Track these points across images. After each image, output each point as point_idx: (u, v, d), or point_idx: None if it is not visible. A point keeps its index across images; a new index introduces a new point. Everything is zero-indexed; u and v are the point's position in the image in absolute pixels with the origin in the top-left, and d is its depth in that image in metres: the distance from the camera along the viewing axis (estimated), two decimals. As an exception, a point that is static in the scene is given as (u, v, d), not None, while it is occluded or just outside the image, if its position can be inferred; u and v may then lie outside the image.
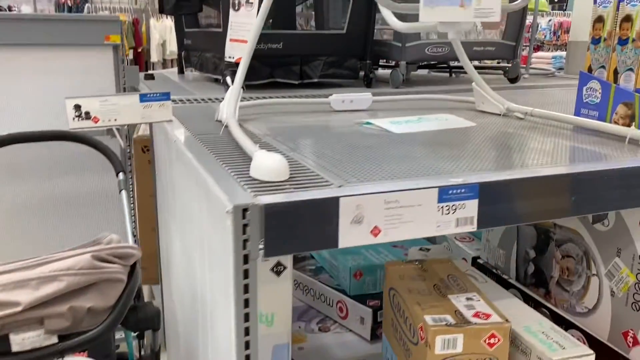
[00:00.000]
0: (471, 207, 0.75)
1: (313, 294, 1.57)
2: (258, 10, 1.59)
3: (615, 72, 1.08)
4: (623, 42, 1.06)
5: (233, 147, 0.92)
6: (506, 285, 1.37)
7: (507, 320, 0.90)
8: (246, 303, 0.66)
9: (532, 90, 1.94)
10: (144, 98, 1.14)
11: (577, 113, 1.17)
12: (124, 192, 1.20)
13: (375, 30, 1.87)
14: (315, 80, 1.82)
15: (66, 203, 1.43)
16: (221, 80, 1.75)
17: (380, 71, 2.49)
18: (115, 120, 1.14)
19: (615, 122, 1.07)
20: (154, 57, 5.66)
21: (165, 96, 1.16)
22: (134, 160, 1.64)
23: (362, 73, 1.90)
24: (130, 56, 5.39)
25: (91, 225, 1.42)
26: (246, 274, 0.65)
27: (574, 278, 1.19)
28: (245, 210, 0.63)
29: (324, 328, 1.44)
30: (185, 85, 1.90)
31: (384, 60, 2.23)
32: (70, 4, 6.23)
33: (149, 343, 1.13)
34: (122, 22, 1.51)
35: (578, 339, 1.01)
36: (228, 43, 1.65)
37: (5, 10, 9.33)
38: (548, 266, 1.27)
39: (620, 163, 0.87)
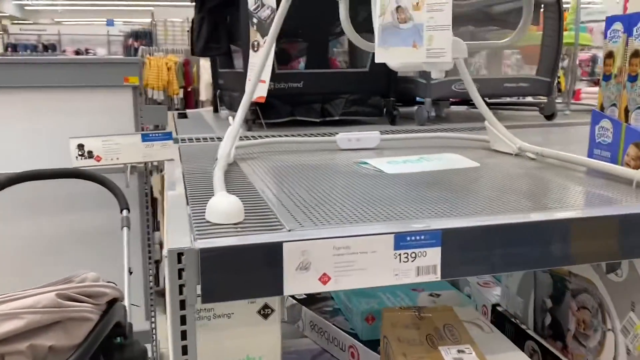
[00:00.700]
0: (433, 255, 0.70)
1: (327, 337, 1.53)
2: (273, 51, 1.62)
3: (627, 111, 1.00)
4: (633, 78, 0.99)
5: (211, 188, 0.92)
6: (524, 336, 1.28)
7: (491, 378, 0.83)
8: (184, 350, 0.65)
9: (568, 127, 1.85)
10: (146, 138, 1.17)
11: (591, 153, 1.10)
12: (125, 229, 1.22)
13: (399, 68, 1.85)
14: (337, 118, 1.81)
15: (77, 238, 1.48)
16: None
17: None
18: (118, 159, 1.17)
19: (627, 164, 0.99)
20: (203, 95, 5.88)
21: (167, 136, 1.19)
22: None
23: (386, 110, 1.87)
24: (180, 95, 5.64)
25: (95, 260, 1.46)
26: (183, 320, 0.64)
27: (590, 332, 1.09)
28: (180, 254, 0.62)
29: (338, 373, 1.39)
30: (212, 124, 1.94)
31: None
32: (136, 47, 6.62)
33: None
34: (141, 64, 1.57)
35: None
36: (248, 83, 1.68)
37: (84, 53, 10.05)
38: (565, 318, 1.17)
39: (616, 209, 0.79)
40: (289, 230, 0.69)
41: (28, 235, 1.41)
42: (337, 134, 1.37)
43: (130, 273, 1.18)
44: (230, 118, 1.22)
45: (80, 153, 1.13)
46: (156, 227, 2.63)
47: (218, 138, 1.59)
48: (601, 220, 0.77)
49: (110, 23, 15.17)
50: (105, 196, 1.25)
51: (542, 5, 1.84)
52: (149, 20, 8.50)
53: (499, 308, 1.41)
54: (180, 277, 0.63)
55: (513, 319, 1.35)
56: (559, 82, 2.37)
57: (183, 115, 2.13)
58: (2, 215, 1.43)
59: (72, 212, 1.41)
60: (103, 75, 1.51)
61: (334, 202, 0.83)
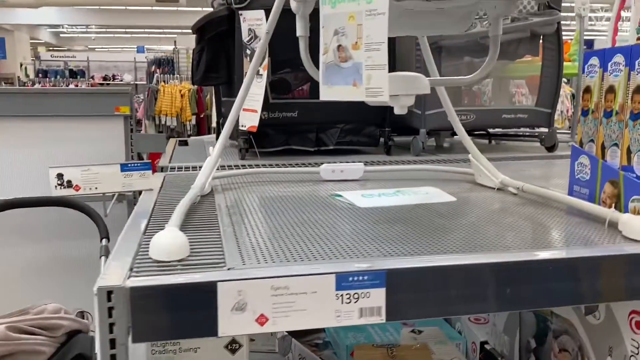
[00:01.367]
0: (377, 297, 0.68)
1: (314, 371, 1.50)
2: (265, 81, 1.63)
3: (603, 147, 0.97)
4: (608, 114, 0.96)
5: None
6: (510, 377, 1.24)
7: None
8: (115, 390, 0.64)
9: (568, 160, 1.80)
10: (125, 168, 1.18)
11: (571, 190, 1.07)
12: (103, 258, 1.23)
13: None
14: (331, 147, 1.80)
15: (58, 266, 1.50)
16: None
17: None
18: (97, 188, 1.18)
19: (604, 202, 0.96)
20: (215, 122, 5.96)
21: (146, 166, 1.19)
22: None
23: (382, 140, 1.86)
24: (193, 121, 5.72)
25: (76, 289, 1.46)
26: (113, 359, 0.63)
27: (571, 377, 1.04)
28: (110, 292, 0.62)
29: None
30: (210, 152, 1.95)
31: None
32: (158, 73, 6.81)
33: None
34: (130, 93, 1.60)
35: None
36: (242, 112, 1.69)
37: (111, 79, 10.34)
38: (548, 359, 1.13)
39: (588, 250, 0.76)
40: (228, 269, 0.68)
41: (3, 262, 1.43)
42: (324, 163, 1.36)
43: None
44: (210, 148, 1.23)
45: (59, 182, 1.15)
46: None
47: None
48: (569, 262, 0.75)
49: (140, 50, 15.59)
50: (86, 225, 1.26)
51: (541, 36, 1.82)
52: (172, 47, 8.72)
53: (487, 346, 1.36)
54: (110, 315, 0.62)
55: (500, 358, 1.31)
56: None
57: (184, 143, 2.15)
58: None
59: (52, 240, 1.43)
60: (94, 105, 1.54)
61: (291, 238, 0.82)
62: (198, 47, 1.99)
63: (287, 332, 1.60)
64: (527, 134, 2.14)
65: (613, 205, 0.93)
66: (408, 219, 0.94)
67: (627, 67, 0.90)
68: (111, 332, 0.62)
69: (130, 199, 1.55)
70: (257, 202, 1.08)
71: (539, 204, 1.06)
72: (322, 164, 1.34)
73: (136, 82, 9.30)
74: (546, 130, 1.91)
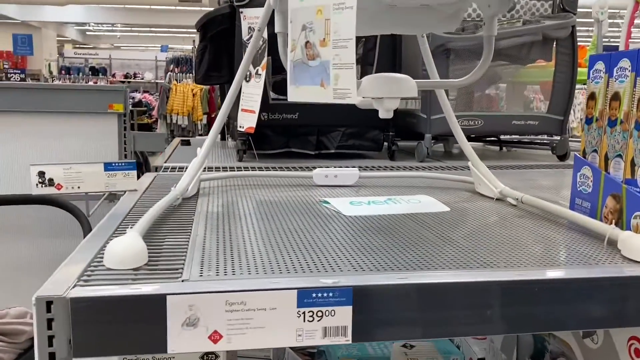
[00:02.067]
0: (343, 315, 0.63)
1: (305, 381, 1.45)
2: (264, 81, 1.59)
3: (607, 158, 0.90)
4: (612, 123, 0.89)
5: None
6: (505, 398, 1.17)
7: None
8: (54, 407, 0.59)
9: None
10: (108, 167, 1.15)
11: (572, 203, 1.00)
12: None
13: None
14: (333, 151, 1.75)
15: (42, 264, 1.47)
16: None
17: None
18: (79, 187, 1.15)
19: (605, 217, 0.89)
20: (223, 122, 5.90)
21: (131, 166, 1.16)
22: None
23: (386, 144, 1.80)
24: (204, 121, 5.69)
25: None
26: (53, 375, 0.59)
27: (568, 403, 0.98)
28: (49, 303, 0.57)
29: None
30: (211, 153, 1.92)
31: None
32: (176, 72, 6.83)
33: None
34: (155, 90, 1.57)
35: None
36: (240, 113, 1.65)
37: (132, 77, 10.43)
38: (545, 383, 1.06)
39: (583, 271, 0.70)
40: (182, 281, 0.63)
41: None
42: (331, 167, 1.30)
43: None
44: (198, 149, 1.19)
45: (40, 180, 1.12)
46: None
47: (208, 168, 1.56)
48: (558, 284, 0.68)
49: (164, 48, 15.70)
50: (70, 223, 1.23)
51: (555, 41, 1.74)
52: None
53: (484, 364, 1.30)
54: (49, 327, 0.58)
55: (496, 378, 1.24)
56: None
57: (186, 143, 2.12)
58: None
59: (36, 238, 1.40)
60: (88, 103, 1.52)
61: (262, 248, 0.77)
62: (201, 46, 1.95)
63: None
64: (539, 141, 2.06)
65: (615, 220, 0.86)
66: (392, 230, 0.89)
67: (633, 72, 0.84)
68: (50, 345, 0.58)
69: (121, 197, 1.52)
70: (240, 208, 1.03)
71: (537, 217, 0.99)
72: (320, 167, 1.29)
73: (156, 81, 9.36)
74: (558, 138, 1.83)
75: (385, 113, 0.79)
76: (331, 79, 0.59)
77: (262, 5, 1.65)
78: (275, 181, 1.32)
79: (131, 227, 0.73)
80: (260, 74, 1.57)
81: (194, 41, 8.83)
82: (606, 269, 0.72)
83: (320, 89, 0.61)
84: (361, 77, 0.76)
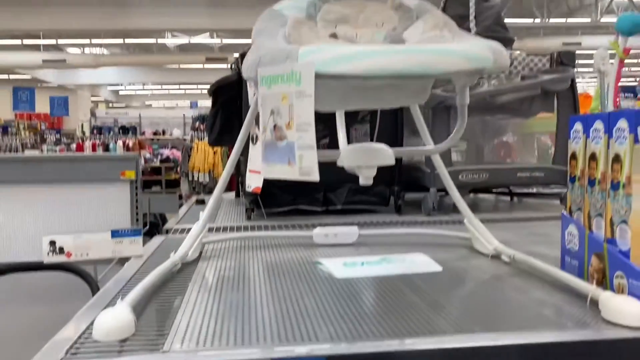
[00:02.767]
0: (316, 385, 0.65)
1: None
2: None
3: (590, 216, 0.91)
4: (592, 182, 0.90)
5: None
6: None
7: None
8: None
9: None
10: (115, 234, 1.20)
11: (562, 261, 1.00)
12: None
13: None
14: (340, 207, 1.79)
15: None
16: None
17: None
18: (87, 255, 1.20)
19: (591, 276, 0.89)
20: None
21: (137, 233, 1.21)
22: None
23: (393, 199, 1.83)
24: None
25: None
26: None
27: None
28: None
29: None
30: (222, 212, 1.97)
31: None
32: (202, 129, 7.01)
33: None
34: (137, 157, 1.65)
35: None
36: (248, 173, 1.70)
37: (161, 133, 10.75)
38: None
39: (558, 334, 0.71)
40: (162, 352, 0.66)
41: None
42: (340, 225, 1.33)
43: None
44: (201, 213, 1.23)
45: (51, 249, 1.17)
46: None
47: (216, 229, 1.60)
48: (529, 349, 0.69)
49: (194, 105, 16.20)
50: (79, 286, 1.29)
51: (555, 93, 1.77)
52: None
53: None
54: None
55: None
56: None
57: (201, 202, 2.18)
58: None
59: (44, 303, 1.45)
60: (100, 171, 1.61)
61: (247, 316, 0.80)
62: (213, 110, 2.05)
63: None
64: (548, 192, 2.06)
65: (599, 280, 0.86)
66: (380, 295, 0.91)
67: (606, 134, 0.86)
68: (37, 417, 0.62)
69: (133, 262, 1.57)
70: (235, 272, 1.07)
71: (527, 276, 1.00)
72: (328, 225, 1.32)
73: (184, 137, 9.63)
74: (564, 188, 1.83)
75: (364, 180, 0.82)
76: (296, 158, 0.64)
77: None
78: (277, 241, 1.36)
79: (121, 299, 0.77)
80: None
81: (218, 98, 9.10)
82: (579, 332, 0.73)
83: (288, 167, 0.66)
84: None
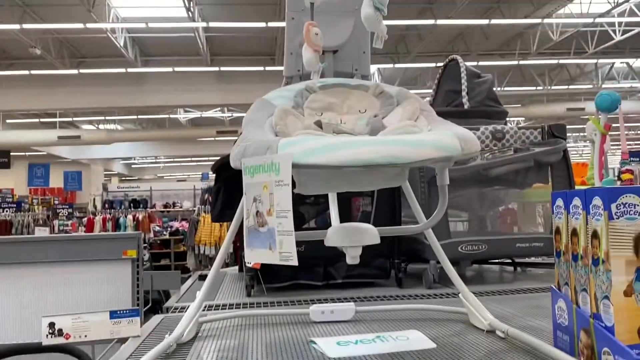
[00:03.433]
0: None
1: None
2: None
3: (576, 291, 0.92)
4: (575, 257, 0.92)
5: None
6: None
7: None
8: None
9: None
10: (114, 315, 1.22)
11: (555, 336, 1.00)
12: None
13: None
14: (340, 281, 1.79)
15: None
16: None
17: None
18: (86, 336, 1.22)
19: (581, 352, 0.89)
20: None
21: (135, 313, 1.23)
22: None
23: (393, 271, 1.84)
24: (230, 249, 5.82)
25: None
26: None
27: None
28: None
29: None
30: (224, 287, 1.98)
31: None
32: (211, 200, 7.08)
33: None
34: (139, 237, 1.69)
35: None
36: (246, 249, 1.73)
37: (171, 206, 10.86)
38: None
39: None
40: None
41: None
42: (340, 299, 1.33)
43: None
44: (197, 292, 1.25)
45: (50, 331, 1.19)
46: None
47: (215, 306, 1.61)
48: None
49: (205, 176, 16.45)
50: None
51: (549, 165, 1.81)
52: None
53: None
54: None
55: None
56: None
57: (204, 277, 2.19)
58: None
59: None
60: (103, 250, 1.65)
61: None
62: (215, 187, 2.10)
63: None
64: (551, 261, 2.05)
65: (589, 356, 0.86)
66: (370, 372, 0.91)
67: (584, 210, 0.88)
68: None
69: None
70: (230, 353, 1.08)
71: (520, 353, 1.00)
72: (328, 299, 1.33)
73: (194, 208, 9.72)
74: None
75: (351, 260, 0.85)
76: (277, 244, 0.67)
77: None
78: (274, 319, 1.36)
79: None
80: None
81: (227, 170, 9.24)
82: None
83: (269, 252, 0.69)
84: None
